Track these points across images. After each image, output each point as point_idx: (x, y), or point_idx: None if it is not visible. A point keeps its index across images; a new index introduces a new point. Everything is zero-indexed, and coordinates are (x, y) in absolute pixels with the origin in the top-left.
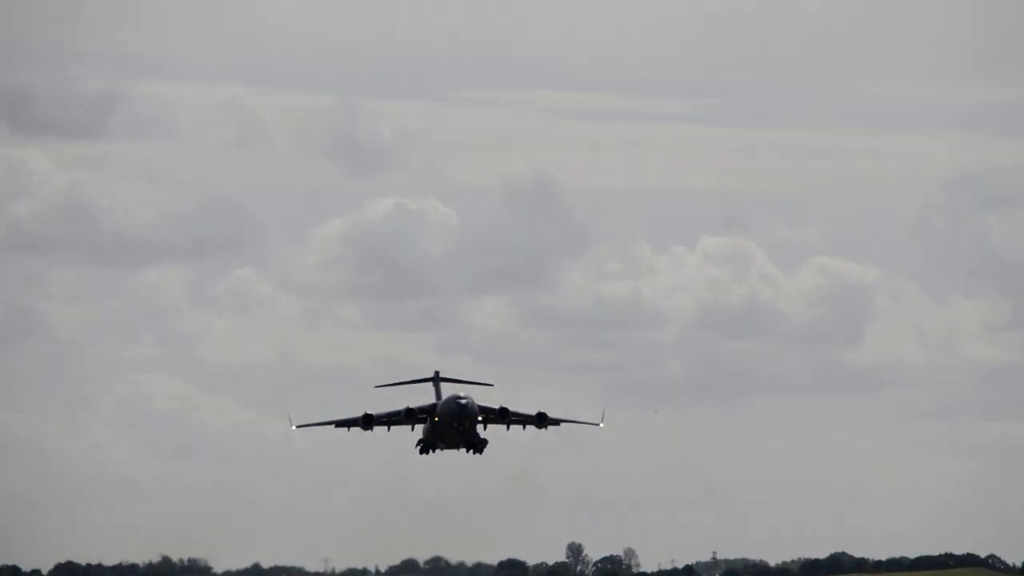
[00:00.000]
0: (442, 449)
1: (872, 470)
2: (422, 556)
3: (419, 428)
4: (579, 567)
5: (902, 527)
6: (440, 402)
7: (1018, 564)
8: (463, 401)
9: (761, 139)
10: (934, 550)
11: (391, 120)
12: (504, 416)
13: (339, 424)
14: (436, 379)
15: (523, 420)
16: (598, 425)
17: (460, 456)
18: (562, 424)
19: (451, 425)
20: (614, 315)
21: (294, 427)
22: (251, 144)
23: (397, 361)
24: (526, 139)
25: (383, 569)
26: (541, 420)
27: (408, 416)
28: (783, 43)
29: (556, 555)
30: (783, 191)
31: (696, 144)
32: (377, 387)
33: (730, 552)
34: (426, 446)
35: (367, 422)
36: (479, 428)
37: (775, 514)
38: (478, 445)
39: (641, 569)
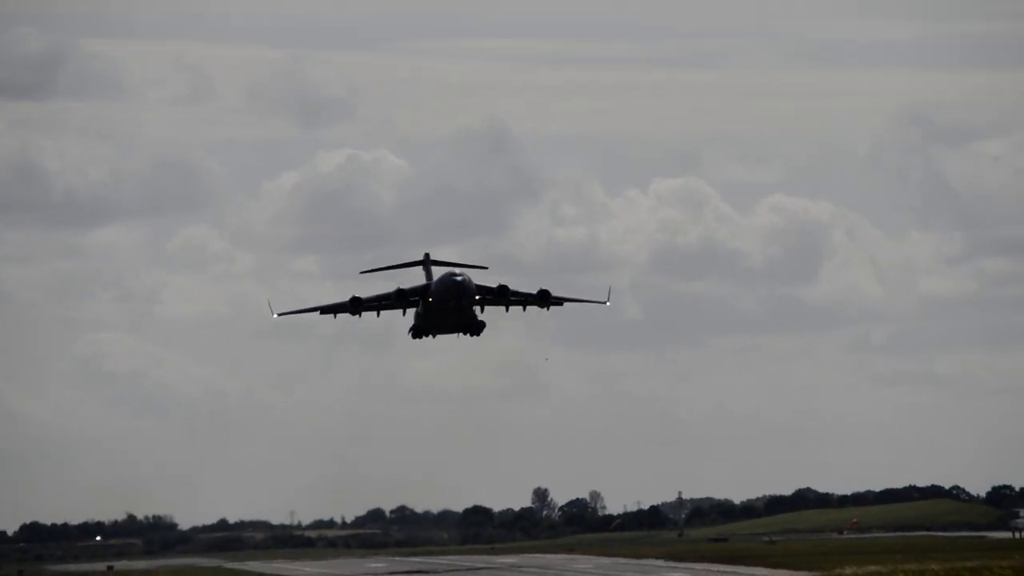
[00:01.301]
0: (435, 335)
1: (834, 406)
2: (388, 505)
3: (411, 314)
4: (545, 512)
5: (866, 461)
6: (433, 281)
7: (982, 494)
8: (459, 278)
9: (711, 81)
10: (899, 483)
11: (341, 72)
12: (503, 295)
13: (325, 311)
14: (426, 262)
15: (524, 299)
16: (605, 303)
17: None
18: (565, 304)
19: (446, 304)
20: (570, 260)
21: (275, 316)
22: (201, 99)
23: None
24: (476, 88)
25: (349, 520)
26: (544, 299)
27: (399, 298)
28: None
29: (522, 501)
30: (735, 132)
31: (646, 87)
32: (362, 273)
33: (695, 492)
34: (419, 331)
35: (355, 305)
36: (476, 311)
37: (739, 452)
38: (475, 327)
39: (607, 512)
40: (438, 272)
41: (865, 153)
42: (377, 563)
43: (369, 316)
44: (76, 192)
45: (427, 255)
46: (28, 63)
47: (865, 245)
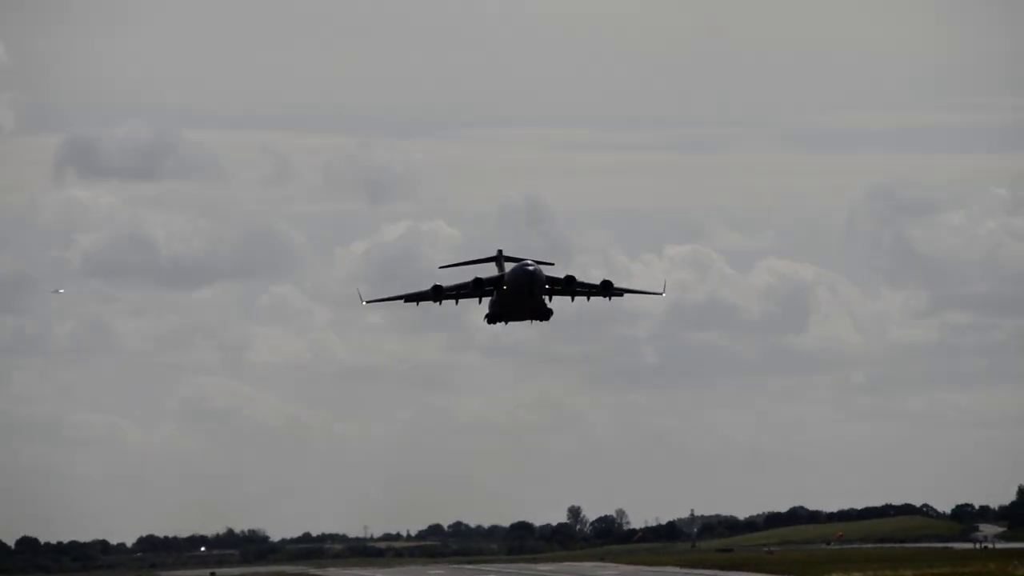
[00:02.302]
0: (507, 322)
1: (821, 436)
2: (446, 521)
3: (486, 303)
4: (578, 526)
5: (849, 483)
6: (507, 272)
7: (947, 511)
8: (531, 268)
9: (714, 163)
10: (877, 502)
11: (403, 155)
12: (570, 285)
13: (408, 299)
14: (499, 257)
15: (588, 289)
16: (660, 294)
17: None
18: (625, 295)
19: (519, 292)
20: (596, 313)
21: (364, 303)
22: (284, 180)
23: (412, 356)
24: (517, 168)
25: (413, 533)
26: (606, 289)
27: (476, 286)
28: (732, 82)
29: (559, 517)
30: (734, 205)
31: (660, 168)
32: (441, 267)
33: (705, 509)
34: (494, 317)
35: (436, 293)
36: (544, 300)
37: (742, 476)
38: (544, 314)
39: (631, 526)
40: (509, 267)
41: (844, 223)
42: (437, 570)
43: (449, 305)
44: (180, 258)
45: (500, 251)
46: (139, 150)
47: (845, 301)
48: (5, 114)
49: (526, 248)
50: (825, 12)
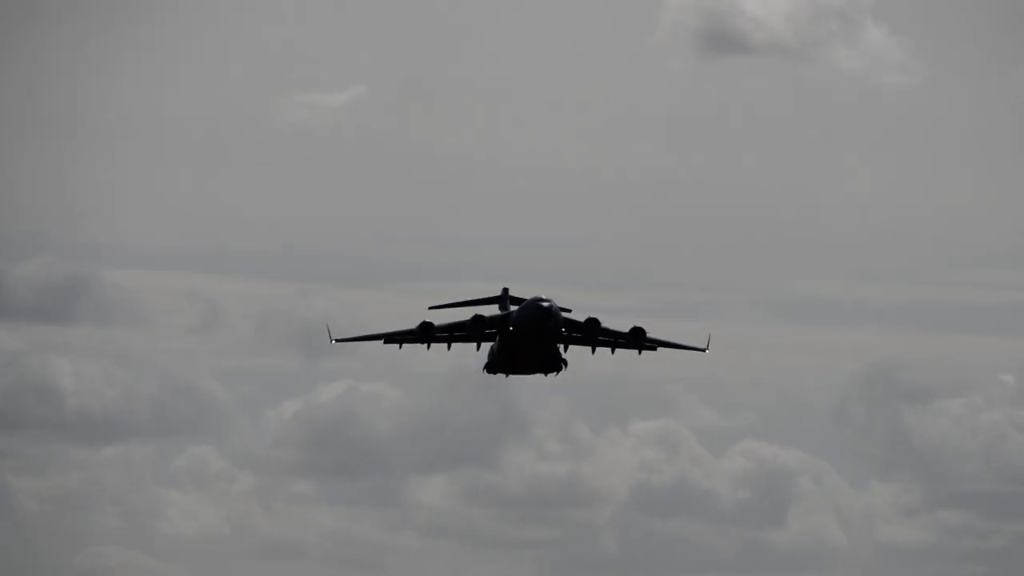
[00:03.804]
0: (509, 374)
1: None
2: None
3: (485, 349)
4: None
5: None
6: (515, 310)
7: None
8: (546, 304)
9: (690, 331)
10: None
11: (345, 307)
12: (592, 330)
13: (390, 339)
14: (504, 297)
15: (614, 339)
16: (703, 351)
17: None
18: (659, 348)
19: (530, 335)
20: (554, 494)
21: (333, 341)
22: (211, 329)
23: (345, 534)
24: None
25: None
26: (636, 338)
27: (475, 326)
28: (707, 239)
29: None
30: (712, 379)
31: None
32: (432, 308)
33: None
34: (495, 366)
35: (425, 333)
36: (559, 348)
37: None
38: (556, 365)
39: None
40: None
41: (831, 405)
42: None
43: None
44: (89, 411)
45: (505, 290)
46: (51, 290)
47: (830, 492)
48: None
49: (478, 418)
50: (814, 167)
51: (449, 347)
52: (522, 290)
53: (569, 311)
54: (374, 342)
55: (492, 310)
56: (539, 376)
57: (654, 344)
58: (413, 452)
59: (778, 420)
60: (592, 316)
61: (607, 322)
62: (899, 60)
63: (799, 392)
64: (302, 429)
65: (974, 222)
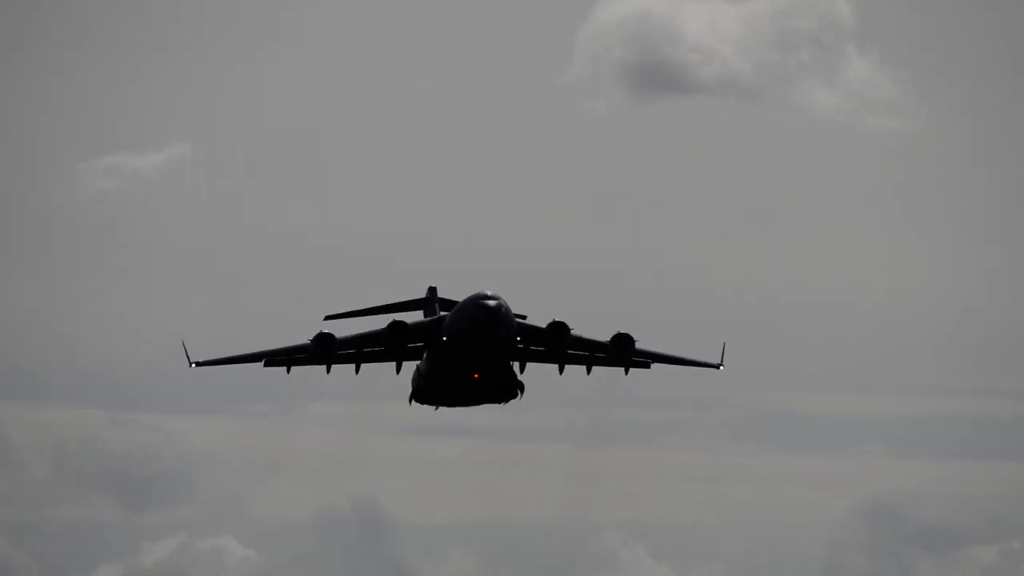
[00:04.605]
0: (444, 403)
1: None
2: None
3: (408, 373)
4: None
5: None
6: (449, 313)
7: None
8: (492, 303)
9: (637, 456)
10: None
11: (172, 437)
12: (559, 338)
13: (271, 360)
14: (431, 300)
15: (591, 350)
16: (717, 367)
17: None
18: (653, 366)
19: (469, 345)
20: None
21: (192, 365)
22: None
23: None
24: (346, 461)
25: None
26: (621, 348)
27: (393, 335)
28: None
29: None
30: (666, 522)
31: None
32: (327, 318)
33: None
34: (422, 393)
35: (323, 348)
36: (510, 366)
37: None
38: (508, 389)
39: None
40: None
41: (823, 556)
42: None
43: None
44: None
45: (432, 289)
46: None
47: None
48: None
49: None
50: (781, 241)
51: (357, 369)
52: (454, 290)
53: (524, 317)
54: (247, 366)
55: (416, 318)
56: (487, 406)
57: (647, 358)
58: None
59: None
60: (557, 320)
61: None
62: (891, 98)
63: (780, 538)
64: None
65: (1000, 310)
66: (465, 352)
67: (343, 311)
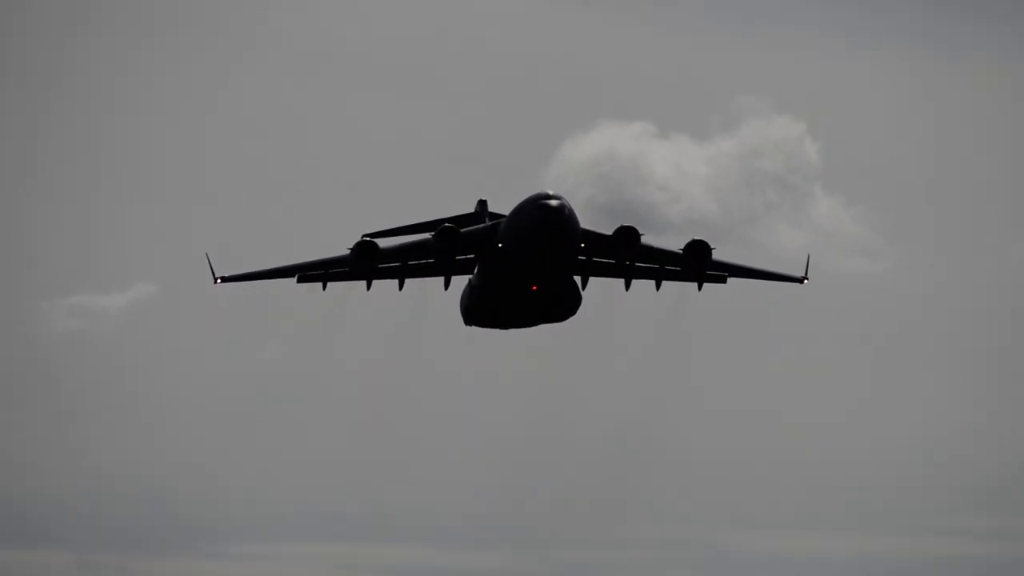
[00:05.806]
0: (504, 324)
1: None
2: None
3: (457, 287)
4: None
5: None
6: (506, 217)
7: None
8: (554, 202)
9: None
10: None
11: None
12: (628, 246)
13: (305, 275)
14: (481, 213)
15: (664, 261)
16: (802, 281)
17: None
18: (730, 280)
19: (530, 250)
20: None
21: (217, 281)
22: None
23: None
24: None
25: None
26: (696, 256)
27: (442, 243)
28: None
29: None
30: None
31: None
32: (366, 237)
33: None
34: (473, 313)
35: (364, 257)
36: (574, 280)
37: None
38: (567, 304)
39: None
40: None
41: None
42: None
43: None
44: None
45: (482, 202)
46: None
47: None
48: None
49: None
50: (748, 389)
51: (401, 285)
52: (508, 205)
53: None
54: (281, 281)
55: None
56: (542, 327)
57: (725, 270)
58: None
59: None
60: (628, 224)
61: None
62: (860, 238)
63: None
64: None
65: (978, 449)
66: (523, 260)
67: (383, 229)
